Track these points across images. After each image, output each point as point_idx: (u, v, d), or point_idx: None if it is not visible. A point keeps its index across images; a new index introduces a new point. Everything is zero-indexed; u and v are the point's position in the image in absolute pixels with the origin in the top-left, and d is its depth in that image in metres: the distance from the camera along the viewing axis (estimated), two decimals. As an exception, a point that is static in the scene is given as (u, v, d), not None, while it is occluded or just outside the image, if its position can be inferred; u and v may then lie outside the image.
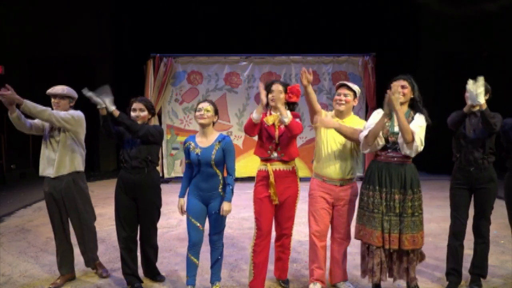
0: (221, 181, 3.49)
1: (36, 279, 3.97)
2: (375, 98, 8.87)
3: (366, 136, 3.32)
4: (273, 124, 3.57)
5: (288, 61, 9.20)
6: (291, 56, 9.19)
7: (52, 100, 3.85)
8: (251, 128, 3.52)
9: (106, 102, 3.57)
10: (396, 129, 3.29)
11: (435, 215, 6.15)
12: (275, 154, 3.57)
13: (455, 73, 9.39)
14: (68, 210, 3.87)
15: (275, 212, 3.64)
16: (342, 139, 3.53)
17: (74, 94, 3.92)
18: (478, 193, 3.68)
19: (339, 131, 3.44)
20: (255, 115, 3.44)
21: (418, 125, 3.26)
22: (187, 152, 3.53)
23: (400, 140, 3.27)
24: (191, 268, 3.55)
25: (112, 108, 3.58)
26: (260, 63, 9.20)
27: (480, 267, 3.74)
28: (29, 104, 3.51)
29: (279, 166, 3.58)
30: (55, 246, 3.93)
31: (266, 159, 3.60)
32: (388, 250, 3.30)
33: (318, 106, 3.59)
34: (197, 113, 3.49)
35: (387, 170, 3.30)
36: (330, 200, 3.57)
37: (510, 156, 3.74)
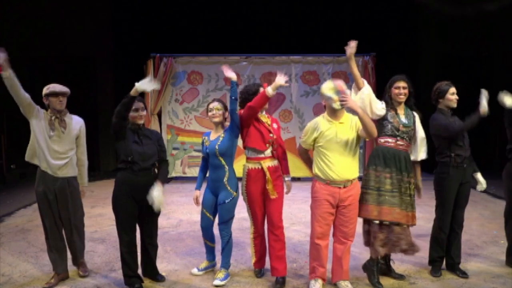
0: (227, 173, 3.78)
1: (36, 279, 3.96)
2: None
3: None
4: (265, 123, 3.82)
5: (288, 61, 9.19)
6: (291, 56, 9.18)
7: (54, 99, 3.78)
8: (262, 100, 3.61)
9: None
10: (405, 120, 3.74)
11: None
12: (270, 149, 3.80)
13: (455, 73, 9.41)
14: (60, 210, 3.86)
15: (265, 208, 3.85)
16: (345, 141, 3.51)
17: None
18: (464, 187, 3.96)
19: (362, 119, 3.45)
20: (271, 90, 3.58)
21: (423, 136, 3.86)
22: (203, 146, 3.93)
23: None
24: (207, 249, 4.08)
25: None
26: (260, 63, 9.19)
27: (459, 256, 4.05)
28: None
29: (270, 162, 3.81)
30: (47, 245, 3.92)
31: (257, 158, 3.79)
32: (403, 225, 3.68)
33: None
34: (210, 113, 3.84)
35: (398, 155, 3.69)
36: (334, 202, 3.58)
37: None
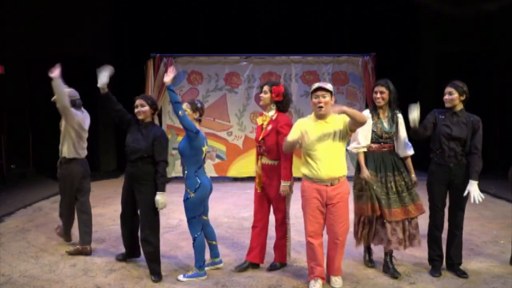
0: (186, 172, 3.87)
1: (36, 279, 3.97)
2: (375, 98, 8.86)
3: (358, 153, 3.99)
4: (262, 125, 4.01)
5: (288, 61, 9.18)
6: (291, 56, 9.17)
7: None
8: None
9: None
10: (388, 128, 3.97)
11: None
12: (260, 150, 4.03)
13: (455, 73, 9.40)
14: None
15: (269, 204, 4.10)
16: (331, 138, 3.56)
17: (75, 94, 4.55)
18: (455, 189, 3.91)
19: (350, 114, 3.41)
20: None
21: (404, 135, 4.02)
22: None
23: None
24: (208, 246, 4.20)
25: None
26: (260, 63, 9.19)
27: (458, 256, 4.03)
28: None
29: (266, 160, 4.01)
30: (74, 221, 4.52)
31: (259, 153, 4.09)
32: (390, 222, 3.85)
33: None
34: None
35: (381, 158, 3.96)
36: (323, 200, 3.62)
37: None
